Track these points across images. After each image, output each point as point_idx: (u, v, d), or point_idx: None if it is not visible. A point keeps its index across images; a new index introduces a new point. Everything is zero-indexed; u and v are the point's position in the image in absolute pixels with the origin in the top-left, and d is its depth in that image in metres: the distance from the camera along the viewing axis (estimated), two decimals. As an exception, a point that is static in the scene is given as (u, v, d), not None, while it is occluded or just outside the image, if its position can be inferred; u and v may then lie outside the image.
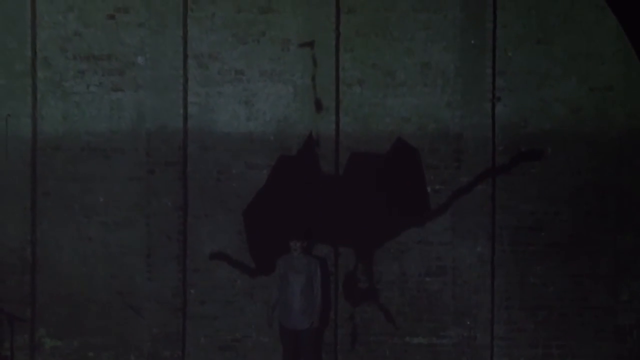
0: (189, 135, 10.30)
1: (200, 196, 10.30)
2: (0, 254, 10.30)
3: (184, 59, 10.22)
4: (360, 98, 10.19)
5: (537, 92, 10.00)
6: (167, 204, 10.29)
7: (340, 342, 10.28)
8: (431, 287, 10.16)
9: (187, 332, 10.32)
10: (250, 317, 10.26)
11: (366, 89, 10.18)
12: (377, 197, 10.18)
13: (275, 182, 10.25)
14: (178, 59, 10.22)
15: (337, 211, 10.20)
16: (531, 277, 10.05)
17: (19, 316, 10.08)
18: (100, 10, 10.31)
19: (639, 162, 9.96)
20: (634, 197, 9.94)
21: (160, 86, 10.29)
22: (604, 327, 9.99)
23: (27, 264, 10.34)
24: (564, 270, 10.00)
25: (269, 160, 10.22)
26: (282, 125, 10.22)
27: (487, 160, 10.07)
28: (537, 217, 10.04)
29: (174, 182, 10.28)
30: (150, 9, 10.25)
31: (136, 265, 10.31)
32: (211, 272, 10.31)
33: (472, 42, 10.05)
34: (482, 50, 10.04)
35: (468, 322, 10.14)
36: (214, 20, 10.21)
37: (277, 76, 10.31)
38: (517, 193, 10.06)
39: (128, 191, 10.31)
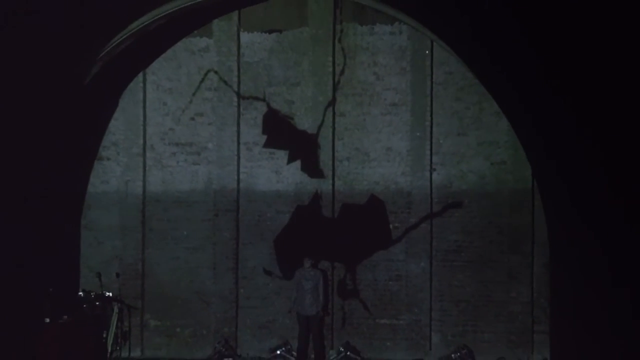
0: (240, 193, 12.72)
1: (247, 231, 12.75)
2: (123, 268, 12.79)
3: (237, 145, 12.75)
4: (348, 169, 12.66)
5: (458, 166, 12.47)
6: (226, 236, 12.77)
7: (335, 323, 12.69)
8: (392, 288, 12.59)
9: (238, 317, 12.77)
10: (278, 307, 12.72)
11: (351, 163, 12.65)
12: (359, 231, 12.55)
13: (294, 222, 12.62)
14: (234, 145, 12.77)
15: (333, 240, 12.56)
16: (455, 282, 12.50)
17: (134, 306, 12.51)
18: (185, 115, 12.94)
19: (523, 210, 12.29)
20: (520, 232, 12.30)
21: (223, 162, 12.78)
22: (501, 313, 12.43)
23: (138, 274, 12.88)
24: (475, 278, 12.45)
25: (290, 208, 12.71)
26: (298, 186, 12.69)
27: (427, 208, 12.53)
28: (459, 244, 12.47)
29: (230, 222, 12.75)
30: (216, 114, 12.83)
31: (206, 275, 12.77)
32: (254, 278, 12.78)
33: (417, 134, 12.56)
34: (423, 140, 12.53)
35: (416, 310, 12.59)
36: (256, 120, 12.83)
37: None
38: (446, 229, 12.48)
39: (201, 228, 12.79)
